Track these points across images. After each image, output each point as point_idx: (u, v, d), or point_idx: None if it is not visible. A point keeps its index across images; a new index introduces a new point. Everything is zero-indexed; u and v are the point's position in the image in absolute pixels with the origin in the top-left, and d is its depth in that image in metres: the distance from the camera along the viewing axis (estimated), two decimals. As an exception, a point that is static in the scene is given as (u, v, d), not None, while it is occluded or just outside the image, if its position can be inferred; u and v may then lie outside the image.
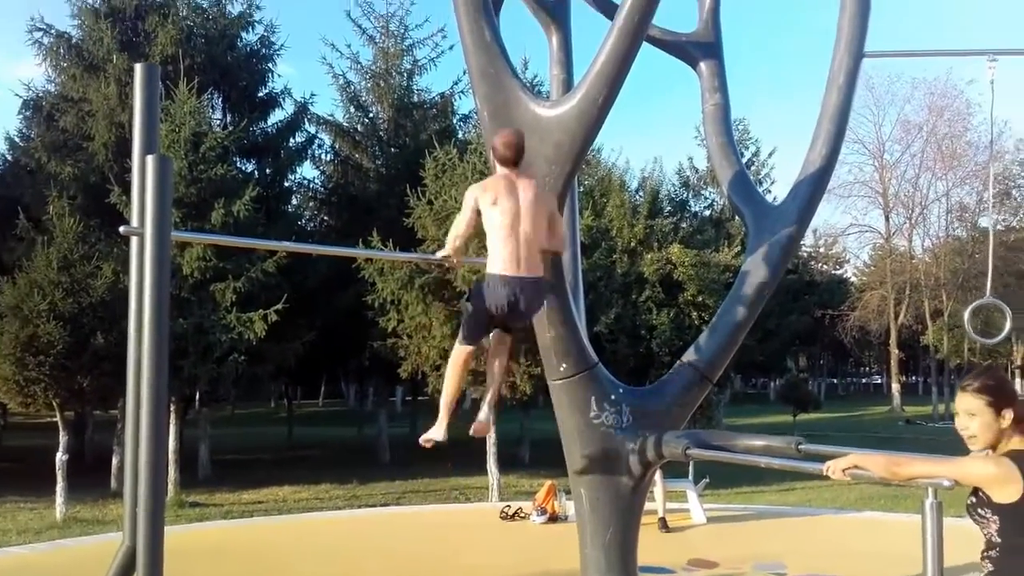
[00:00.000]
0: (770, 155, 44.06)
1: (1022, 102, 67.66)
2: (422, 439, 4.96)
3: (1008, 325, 6.83)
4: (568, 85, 5.93)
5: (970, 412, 2.97)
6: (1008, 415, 2.92)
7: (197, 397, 16.87)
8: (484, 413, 5.09)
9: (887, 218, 43.82)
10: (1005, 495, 2.85)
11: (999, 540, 2.91)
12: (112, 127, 17.53)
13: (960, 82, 56.58)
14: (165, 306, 3.48)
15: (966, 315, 6.71)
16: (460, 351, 4.92)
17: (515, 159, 4.75)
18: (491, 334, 5.05)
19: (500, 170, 4.81)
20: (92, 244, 14.14)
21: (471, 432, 5.08)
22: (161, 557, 3.39)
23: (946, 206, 42.22)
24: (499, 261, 4.67)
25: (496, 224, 4.68)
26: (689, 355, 5.74)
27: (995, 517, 2.90)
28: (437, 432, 4.93)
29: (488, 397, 5.15)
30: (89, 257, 13.67)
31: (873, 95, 41.88)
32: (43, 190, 16.63)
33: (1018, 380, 41.71)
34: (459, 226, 4.83)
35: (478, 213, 4.76)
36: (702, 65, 6.39)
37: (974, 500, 2.96)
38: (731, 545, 8.96)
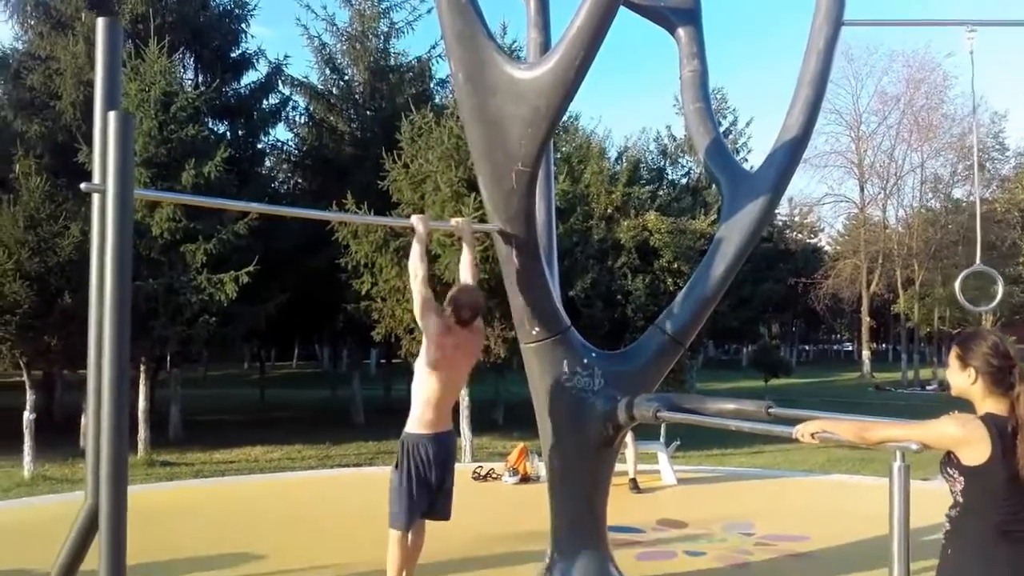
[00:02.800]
0: (747, 125, 44.19)
1: (998, 76, 68.08)
2: None
3: (1000, 291, 6.89)
4: (545, 48, 5.85)
5: (949, 363, 3.08)
6: (972, 372, 2.97)
7: (168, 358, 16.76)
8: None
9: (862, 188, 44.16)
10: (972, 456, 2.89)
11: (961, 500, 2.97)
12: (80, 85, 17.18)
13: (938, 55, 56.72)
14: (127, 264, 3.41)
15: (958, 282, 6.75)
16: (401, 542, 5.13)
17: (473, 320, 5.16)
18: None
19: (455, 327, 5.09)
20: (59, 203, 13.92)
21: None
22: (124, 515, 3.35)
23: (920, 177, 42.58)
24: (432, 419, 5.07)
25: (449, 377, 5.10)
26: (662, 319, 5.75)
27: (960, 477, 2.94)
28: None
29: None
30: (56, 216, 13.47)
31: (852, 66, 42.04)
32: (9, 148, 16.31)
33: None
34: (422, 286, 5.04)
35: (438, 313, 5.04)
36: (680, 31, 6.31)
37: (944, 459, 3.01)
38: (701, 506, 9.07)
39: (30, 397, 12.44)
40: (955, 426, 2.92)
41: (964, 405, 3.04)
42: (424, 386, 5.03)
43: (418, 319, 4.98)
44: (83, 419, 15.35)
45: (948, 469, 2.99)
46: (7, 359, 12.85)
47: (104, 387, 3.35)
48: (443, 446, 5.07)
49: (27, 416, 12.14)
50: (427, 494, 5.06)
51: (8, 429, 14.41)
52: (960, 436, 2.90)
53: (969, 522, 2.95)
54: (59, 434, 15.69)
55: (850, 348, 69.47)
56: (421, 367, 5.04)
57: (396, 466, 5.09)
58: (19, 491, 10.90)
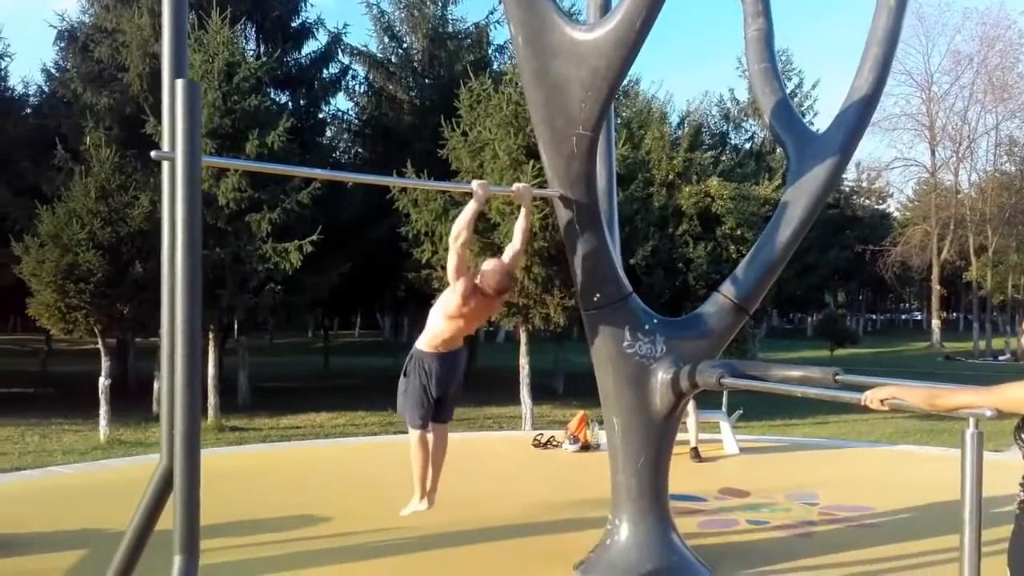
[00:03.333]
0: (813, 87, 43.13)
1: (1079, 30, 65.07)
2: (405, 513, 5.73)
3: None
4: (605, 9, 5.75)
5: (1021, 330, 3.08)
6: None
7: (235, 326, 17.16)
8: (416, 498, 5.78)
9: (933, 152, 42.76)
10: None
11: None
12: (146, 58, 17.53)
13: (1013, 11, 54.44)
14: (197, 229, 3.47)
15: None
16: (419, 436, 5.60)
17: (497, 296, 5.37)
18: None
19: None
20: (129, 174, 14.26)
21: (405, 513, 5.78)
22: (198, 476, 3.44)
23: (995, 140, 41.10)
24: (449, 337, 5.39)
25: (469, 312, 5.25)
26: (725, 286, 5.65)
27: None
28: (413, 503, 5.74)
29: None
30: (126, 187, 13.81)
31: (923, 25, 40.77)
32: (79, 121, 16.75)
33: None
34: (462, 252, 5.19)
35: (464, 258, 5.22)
36: (745, -12, 6.15)
37: (1019, 424, 2.95)
38: (763, 476, 8.98)
39: (105, 363, 12.85)
40: (1021, 388, 2.84)
41: None
42: (438, 324, 5.35)
43: (449, 276, 5.23)
44: (156, 385, 15.86)
45: (1021, 434, 2.92)
46: (82, 327, 13.27)
47: (177, 353, 3.44)
48: (447, 364, 5.44)
49: (102, 382, 12.56)
50: (431, 401, 5.47)
51: (85, 395, 14.95)
52: None
53: None
54: (133, 399, 16.23)
55: (919, 317, 67.86)
56: (440, 309, 5.34)
57: (404, 373, 5.54)
58: (95, 454, 11.31)
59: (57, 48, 20.52)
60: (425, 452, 5.59)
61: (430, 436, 5.62)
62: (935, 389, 3.23)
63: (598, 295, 5.34)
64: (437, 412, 5.60)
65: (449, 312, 5.25)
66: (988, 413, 3.01)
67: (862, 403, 3.41)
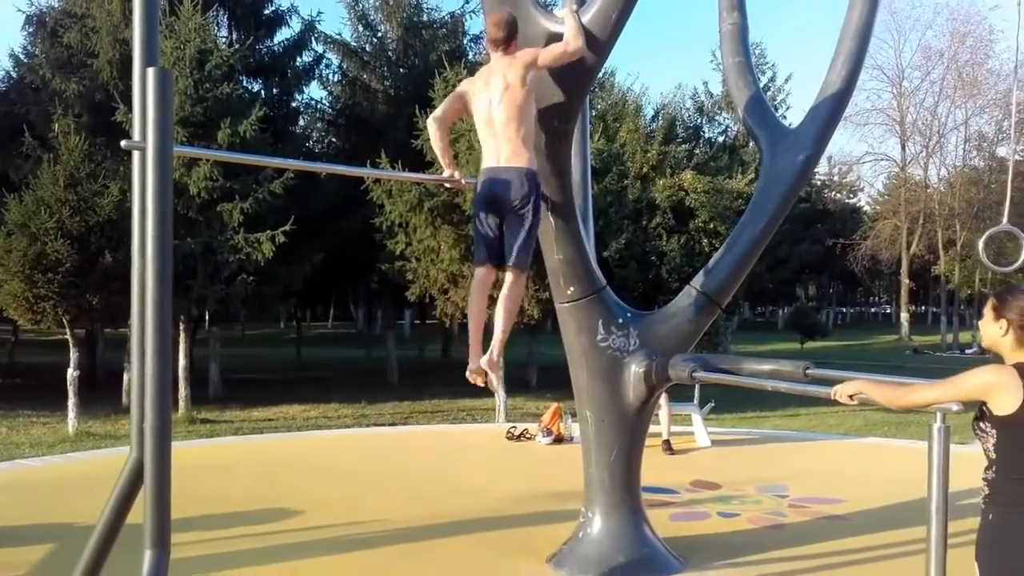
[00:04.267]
0: (786, 81, 43.50)
1: (1047, 28, 65.98)
2: (468, 376, 4.70)
3: None
4: (581, 1, 5.75)
5: (983, 314, 3.07)
6: (1004, 324, 2.96)
7: (207, 317, 17.00)
8: (474, 359, 4.74)
9: (903, 146, 43.18)
10: (1003, 405, 2.85)
11: (994, 455, 2.93)
12: (116, 44, 17.27)
13: (984, 7, 55.03)
14: (168, 220, 3.43)
15: (980, 242, 6.62)
16: (476, 275, 4.84)
17: (506, 38, 4.64)
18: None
19: (492, 56, 4.74)
20: (98, 162, 14.05)
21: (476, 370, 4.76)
22: (169, 469, 3.41)
23: (964, 135, 41.58)
24: (484, 157, 4.70)
25: (478, 120, 4.71)
26: (698, 280, 5.69)
27: (993, 430, 2.91)
28: (473, 362, 4.70)
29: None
30: (96, 176, 13.60)
31: (895, 20, 41.11)
32: (48, 108, 16.47)
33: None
34: (441, 113, 4.81)
35: (463, 104, 4.78)
36: (720, -17, 6.17)
37: (977, 415, 2.99)
38: (734, 468, 9.06)
39: (73, 355, 12.69)
40: (989, 372, 2.90)
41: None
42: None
43: (447, 100, 4.88)
44: (126, 376, 15.68)
45: (981, 424, 2.95)
46: (50, 317, 13.08)
47: (147, 345, 3.40)
48: (484, 186, 4.63)
49: (71, 373, 12.39)
50: (484, 236, 4.71)
51: (53, 386, 14.75)
52: (994, 381, 2.87)
53: (1007, 480, 2.89)
54: (102, 391, 16.03)
55: (888, 311, 68.65)
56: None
57: None
58: (64, 447, 11.16)
59: (25, 33, 20.19)
60: (477, 297, 4.81)
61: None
62: (898, 388, 3.27)
63: (572, 288, 5.35)
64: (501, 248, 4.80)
65: (474, 116, 4.78)
66: (955, 408, 3.06)
67: (832, 397, 3.46)
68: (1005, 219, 6.58)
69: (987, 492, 2.96)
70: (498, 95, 4.57)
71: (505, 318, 4.71)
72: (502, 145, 4.57)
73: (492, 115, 4.60)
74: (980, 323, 3.11)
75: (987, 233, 6.64)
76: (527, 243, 4.63)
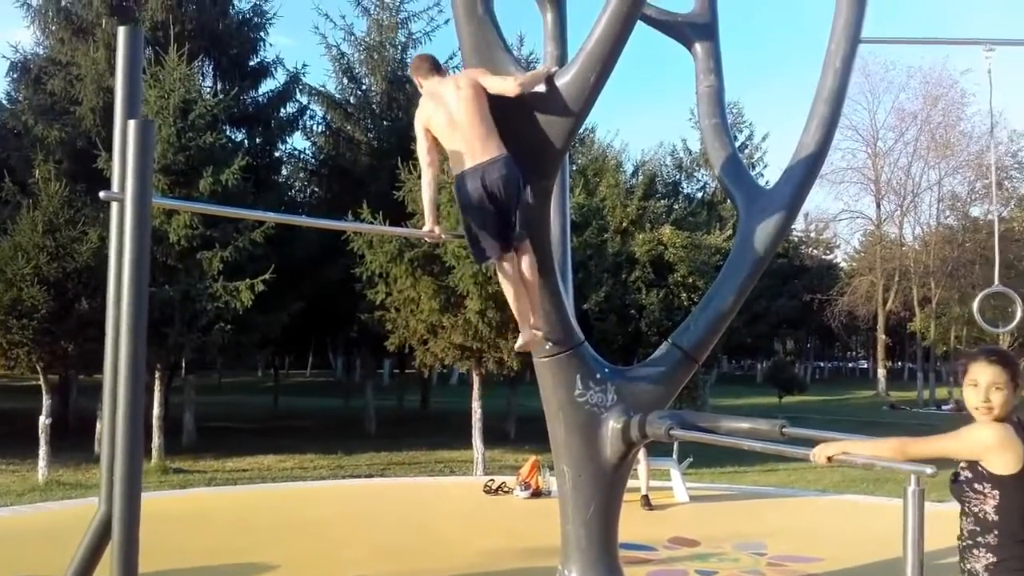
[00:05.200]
0: (763, 139, 44.25)
1: (1017, 94, 67.65)
2: (518, 348, 5.05)
3: (1020, 313, 6.77)
4: (562, 62, 5.84)
5: (997, 385, 2.90)
6: (1020, 391, 2.92)
7: (183, 365, 16.83)
8: (525, 332, 4.98)
9: (878, 205, 43.85)
10: (1005, 464, 2.79)
11: (996, 518, 2.83)
12: (100, 92, 17.35)
13: (955, 72, 56.40)
14: (145, 272, 3.43)
15: (976, 303, 6.71)
16: (501, 269, 4.94)
17: (432, 69, 4.93)
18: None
19: (429, 83, 4.93)
20: (78, 209, 14.01)
21: (518, 348, 5.09)
22: (137, 525, 3.36)
23: (938, 195, 42.27)
24: (455, 163, 4.78)
25: (440, 132, 4.82)
26: (676, 335, 5.73)
27: (994, 491, 2.82)
28: (522, 337, 4.95)
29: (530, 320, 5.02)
30: (75, 222, 13.56)
31: (869, 82, 41.75)
32: (29, 153, 16.47)
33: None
34: (422, 156, 5.01)
35: (429, 132, 4.90)
36: (697, 46, 6.31)
37: (969, 475, 2.90)
38: (713, 524, 9.01)
39: (46, 402, 12.51)
40: (989, 429, 2.83)
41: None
42: None
43: (420, 144, 5.02)
44: (98, 425, 15.44)
45: (976, 485, 2.85)
46: (24, 363, 12.92)
47: (120, 394, 3.37)
48: (474, 183, 4.69)
49: (43, 421, 12.18)
50: (490, 229, 4.78)
51: (23, 433, 14.49)
52: (996, 439, 2.80)
53: (1016, 543, 2.79)
54: (74, 438, 15.76)
55: (865, 366, 69.00)
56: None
57: None
58: (33, 496, 10.94)
59: (9, 79, 20.26)
60: (509, 285, 4.97)
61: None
62: (904, 439, 3.23)
63: (550, 343, 5.36)
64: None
65: (437, 134, 4.93)
66: (929, 471, 3.05)
67: (811, 460, 3.41)
68: (996, 280, 6.69)
69: (992, 560, 2.84)
70: (455, 100, 4.74)
71: (534, 287, 4.99)
72: (474, 143, 4.68)
73: (456, 119, 4.73)
74: (964, 391, 3.00)
75: (981, 294, 6.73)
76: (521, 215, 4.90)
